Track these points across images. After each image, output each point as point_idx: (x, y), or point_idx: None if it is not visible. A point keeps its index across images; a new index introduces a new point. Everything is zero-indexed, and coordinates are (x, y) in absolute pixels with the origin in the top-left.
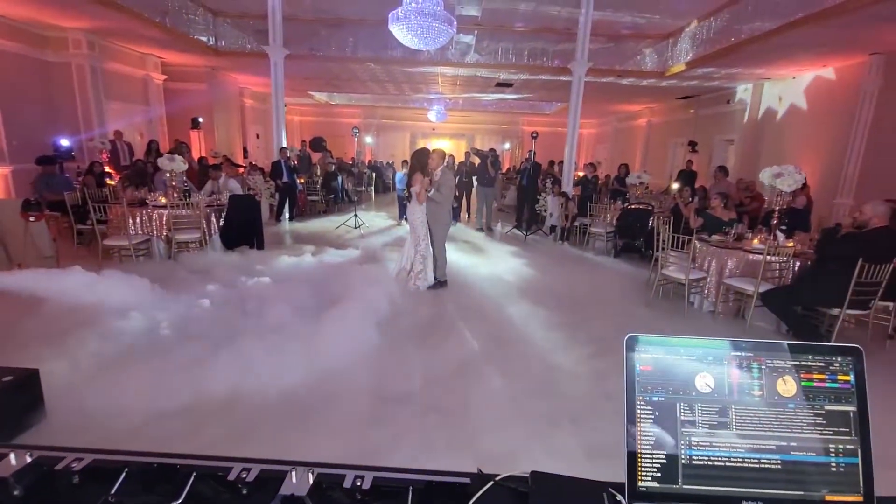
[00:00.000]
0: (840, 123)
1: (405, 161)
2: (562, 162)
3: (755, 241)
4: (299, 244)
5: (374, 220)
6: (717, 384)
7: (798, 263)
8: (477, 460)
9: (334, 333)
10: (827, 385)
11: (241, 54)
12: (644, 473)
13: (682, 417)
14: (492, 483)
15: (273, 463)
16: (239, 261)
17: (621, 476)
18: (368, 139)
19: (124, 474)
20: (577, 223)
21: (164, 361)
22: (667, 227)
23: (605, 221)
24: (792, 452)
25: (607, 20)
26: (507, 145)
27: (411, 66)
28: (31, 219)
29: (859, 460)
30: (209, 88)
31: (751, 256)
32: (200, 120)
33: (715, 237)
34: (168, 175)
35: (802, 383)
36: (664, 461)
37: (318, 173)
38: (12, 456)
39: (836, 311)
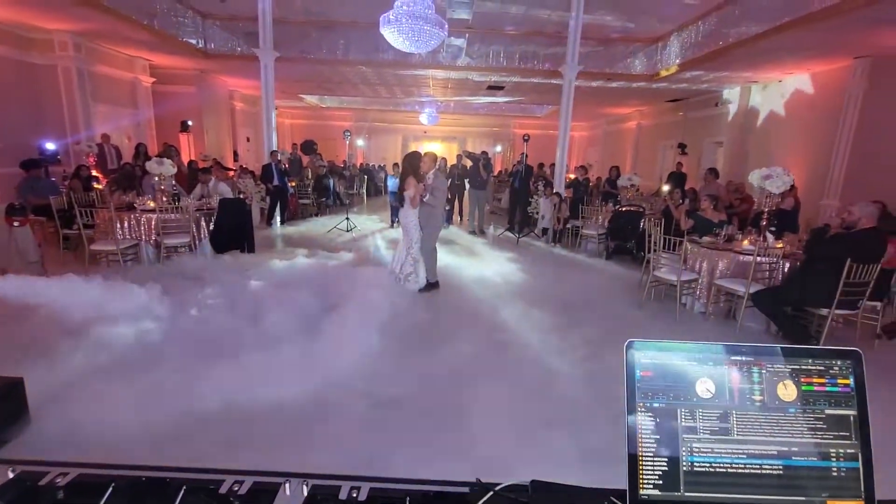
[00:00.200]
0: (826, 126)
1: (396, 164)
2: (553, 165)
3: (745, 242)
4: (291, 248)
5: (366, 223)
6: (718, 389)
7: (787, 264)
8: (473, 466)
9: (327, 338)
10: (827, 389)
11: (230, 57)
12: (646, 481)
13: (684, 423)
14: (491, 493)
15: (266, 475)
16: (229, 265)
17: (621, 481)
18: (360, 142)
19: (111, 489)
20: (568, 225)
21: (153, 370)
22: (658, 228)
23: (597, 223)
24: (793, 458)
25: (597, 24)
26: (498, 148)
27: (402, 69)
28: (16, 224)
29: (860, 464)
30: (198, 91)
31: (741, 257)
32: (190, 123)
33: (705, 239)
34: (157, 179)
35: (803, 387)
36: (666, 468)
37: (310, 176)
38: None
39: (825, 312)
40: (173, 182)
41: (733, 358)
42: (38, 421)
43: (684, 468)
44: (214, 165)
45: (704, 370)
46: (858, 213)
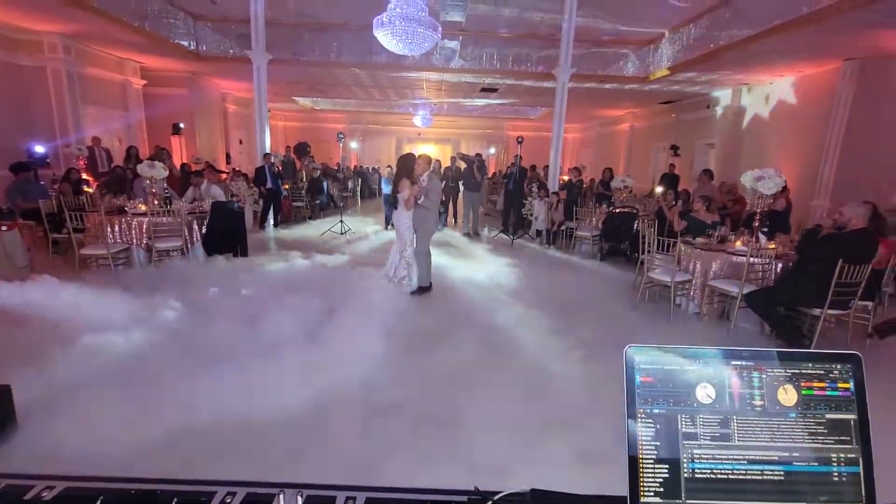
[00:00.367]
0: (816, 127)
1: (389, 166)
2: (546, 166)
3: (738, 243)
4: (284, 251)
5: (360, 225)
6: (718, 395)
7: (780, 265)
8: (471, 471)
9: (321, 343)
10: (827, 393)
11: (222, 59)
12: (646, 488)
13: (684, 430)
14: (490, 503)
15: (259, 486)
16: (222, 269)
17: (618, 484)
18: (354, 144)
19: (99, 503)
20: (563, 227)
21: (144, 377)
22: (652, 230)
23: (591, 225)
24: (794, 463)
25: (590, 27)
26: (492, 150)
27: (396, 72)
28: (4, 228)
29: (861, 469)
30: (190, 93)
31: (734, 258)
32: (182, 125)
33: (699, 240)
34: (148, 182)
35: (803, 392)
36: (667, 475)
37: (304, 179)
38: None
39: (817, 312)
40: (165, 185)
41: (733, 362)
42: (25, 428)
43: (685, 475)
44: (206, 168)
45: (704, 375)
46: (849, 213)
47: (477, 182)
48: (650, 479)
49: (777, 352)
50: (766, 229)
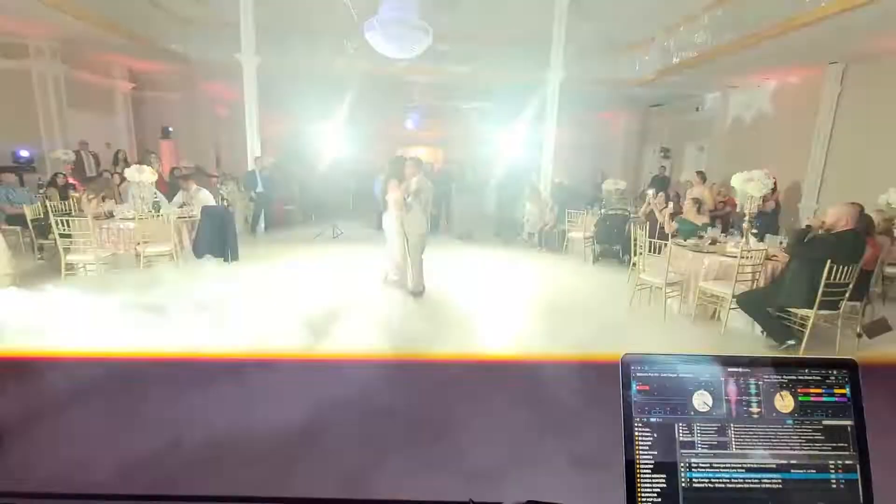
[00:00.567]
0: (803, 129)
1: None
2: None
3: (728, 244)
4: (275, 254)
5: (352, 229)
6: (715, 402)
7: (770, 266)
8: (465, 479)
9: (313, 347)
10: (824, 399)
11: (212, 62)
12: (644, 499)
13: (681, 438)
14: None
15: (248, 501)
16: (211, 273)
17: (614, 491)
18: None
19: None
20: (555, 229)
21: (130, 387)
22: (643, 232)
23: (583, 227)
24: (792, 471)
25: (580, 29)
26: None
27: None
28: None
29: (858, 475)
30: (180, 97)
31: (725, 260)
32: (171, 129)
33: (690, 241)
34: (136, 186)
35: (800, 398)
36: (664, 485)
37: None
38: None
39: (807, 312)
40: (154, 189)
41: (730, 369)
42: (7, 443)
43: (683, 485)
44: (196, 172)
45: (701, 383)
46: (836, 214)
47: (470, 185)
48: (647, 490)
49: (773, 358)
50: (755, 231)
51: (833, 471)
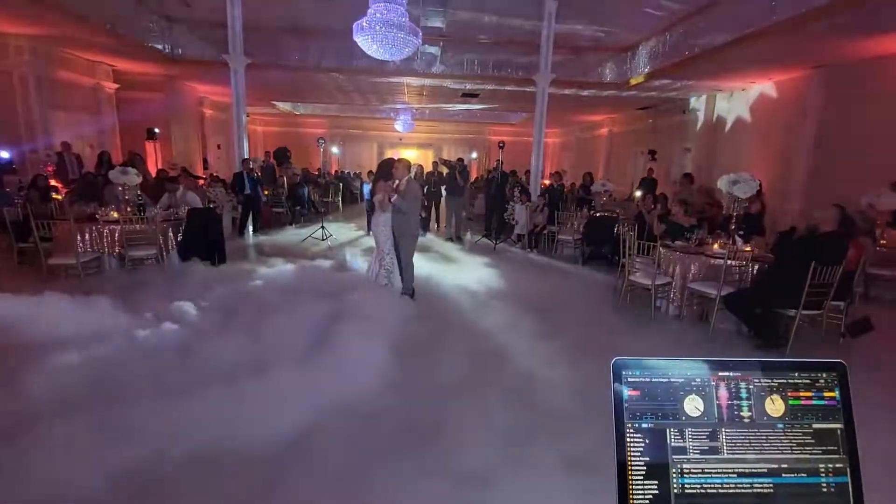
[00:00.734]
0: (787, 132)
1: (371, 172)
2: (527, 171)
3: (715, 246)
4: (263, 258)
5: (342, 231)
6: (707, 407)
7: (756, 267)
8: (455, 481)
9: (304, 352)
10: (814, 402)
11: (199, 63)
12: None
13: (673, 444)
14: None
15: None
16: (198, 277)
17: (601, 489)
18: (335, 149)
19: None
20: (545, 231)
21: (113, 398)
22: (632, 233)
23: (573, 229)
24: (783, 475)
25: (569, 33)
26: (474, 154)
27: (377, 77)
28: None
29: (848, 479)
30: (166, 97)
31: (712, 261)
32: (157, 130)
33: (678, 243)
34: (121, 188)
35: (790, 402)
36: (656, 492)
37: (284, 185)
38: None
39: (792, 312)
40: (138, 192)
41: (721, 373)
42: None
43: (675, 491)
44: (182, 174)
45: (692, 387)
46: (819, 216)
47: (459, 187)
48: (639, 497)
49: (764, 361)
50: (742, 232)
51: (823, 475)
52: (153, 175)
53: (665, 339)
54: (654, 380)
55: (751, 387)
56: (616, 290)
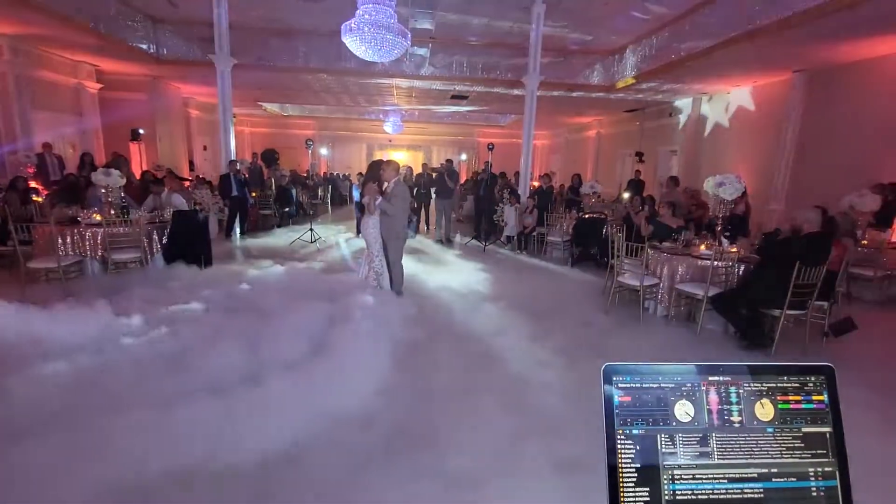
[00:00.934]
0: (771, 135)
1: (360, 174)
2: (516, 173)
3: (702, 247)
4: (250, 260)
5: (331, 233)
6: (697, 412)
7: (742, 267)
8: (445, 483)
9: (290, 353)
10: (803, 406)
11: (184, 63)
12: None
13: (664, 450)
14: None
15: None
16: (184, 281)
17: (593, 492)
18: (324, 151)
19: None
20: (534, 232)
21: (96, 410)
22: (620, 235)
23: (562, 230)
24: (773, 479)
25: (557, 36)
26: (463, 156)
27: (366, 78)
28: None
29: (838, 482)
30: (150, 98)
31: (699, 262)
32: (141, 131)
33: (665, 244)
34: (103, 190)
35: (779, 406)
36: (647, 499)
37: (272, 186)
38: None
39: (777, 312)
40: (121, 194)
41: (711, 378)
42: None
43: (666, 498)
44: (168, 176)
45: (682, 392)
46: (801, 218)
47: (449, 189)
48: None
49: (753, 366)
50: (728, 233)
51: (813, 478)
52: (137, 177)
53: (654, 341)
54: (644, 385)
55: (741, 391)
56: (605, 291)
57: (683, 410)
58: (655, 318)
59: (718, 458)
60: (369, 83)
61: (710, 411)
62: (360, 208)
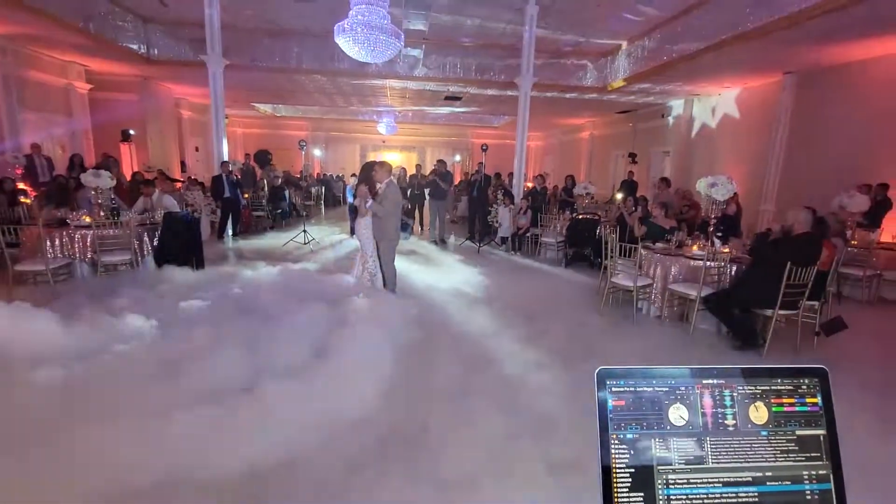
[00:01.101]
0: (761, 136)
1: (354, 175)
2: (510, 174)
3: (694, 247)
4: (243, 262)
5: (324, 234)
6: (691, 416)
7: (734, 267)
8: (438, 486)
9: (284, 355)
10: (796, 409)
11: (175, 63)
12: None
13: (658, 454)
14: None
15: None
16: (175, 283)
17: (584, 492)
18: (317, 152)
19: None
20: (528, 233)
21: (84, 422)
22: (614, 236)
23: (555, 231)
24: (768, 483)
25: (550, 37)
26: (457, 157)
27: (359, 79)
28: None
29: (832, 485)
30: (141, 99)
31: (692, 262)
32: (131, 132)
33: (658, 245)
34: (93, 192)
35: (773, 409)
36: (642, 503)
37: (265, 187)
38: None
39: (769, 312)
40: (112, 195)
41: (705, 381)
42: None
43: (661, 502)
44: (159, 177)
45: (677, 396)
46: (792, 218)
47: (443, 190)
48: None
49: (747, 369)
50: (720, 234)
51: (807, 482)
52: (128, 178)
53: (647, 341)
54: (638, 389)
55: (734, 394)
56: (598, 291)
57: (678, 414)
58: (648, 319)
59: (713, 462)
60: (363, 84)
61: (704, 415)
62: (354, 209)
